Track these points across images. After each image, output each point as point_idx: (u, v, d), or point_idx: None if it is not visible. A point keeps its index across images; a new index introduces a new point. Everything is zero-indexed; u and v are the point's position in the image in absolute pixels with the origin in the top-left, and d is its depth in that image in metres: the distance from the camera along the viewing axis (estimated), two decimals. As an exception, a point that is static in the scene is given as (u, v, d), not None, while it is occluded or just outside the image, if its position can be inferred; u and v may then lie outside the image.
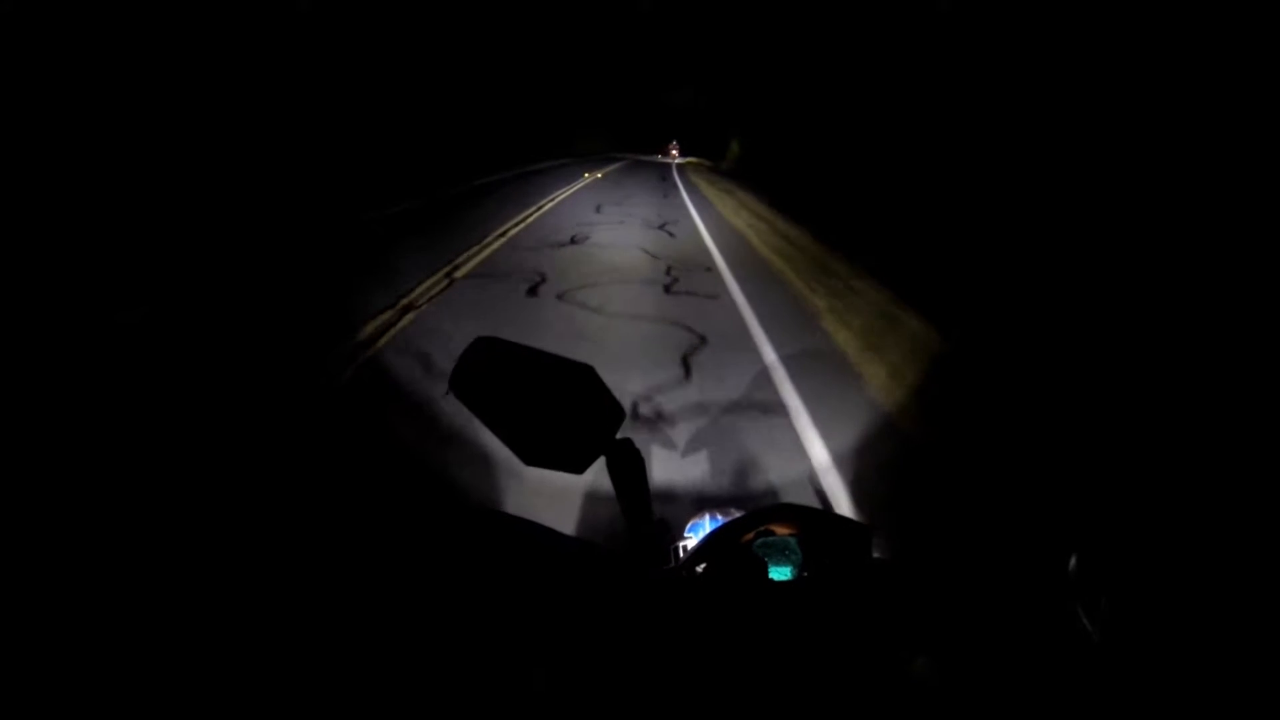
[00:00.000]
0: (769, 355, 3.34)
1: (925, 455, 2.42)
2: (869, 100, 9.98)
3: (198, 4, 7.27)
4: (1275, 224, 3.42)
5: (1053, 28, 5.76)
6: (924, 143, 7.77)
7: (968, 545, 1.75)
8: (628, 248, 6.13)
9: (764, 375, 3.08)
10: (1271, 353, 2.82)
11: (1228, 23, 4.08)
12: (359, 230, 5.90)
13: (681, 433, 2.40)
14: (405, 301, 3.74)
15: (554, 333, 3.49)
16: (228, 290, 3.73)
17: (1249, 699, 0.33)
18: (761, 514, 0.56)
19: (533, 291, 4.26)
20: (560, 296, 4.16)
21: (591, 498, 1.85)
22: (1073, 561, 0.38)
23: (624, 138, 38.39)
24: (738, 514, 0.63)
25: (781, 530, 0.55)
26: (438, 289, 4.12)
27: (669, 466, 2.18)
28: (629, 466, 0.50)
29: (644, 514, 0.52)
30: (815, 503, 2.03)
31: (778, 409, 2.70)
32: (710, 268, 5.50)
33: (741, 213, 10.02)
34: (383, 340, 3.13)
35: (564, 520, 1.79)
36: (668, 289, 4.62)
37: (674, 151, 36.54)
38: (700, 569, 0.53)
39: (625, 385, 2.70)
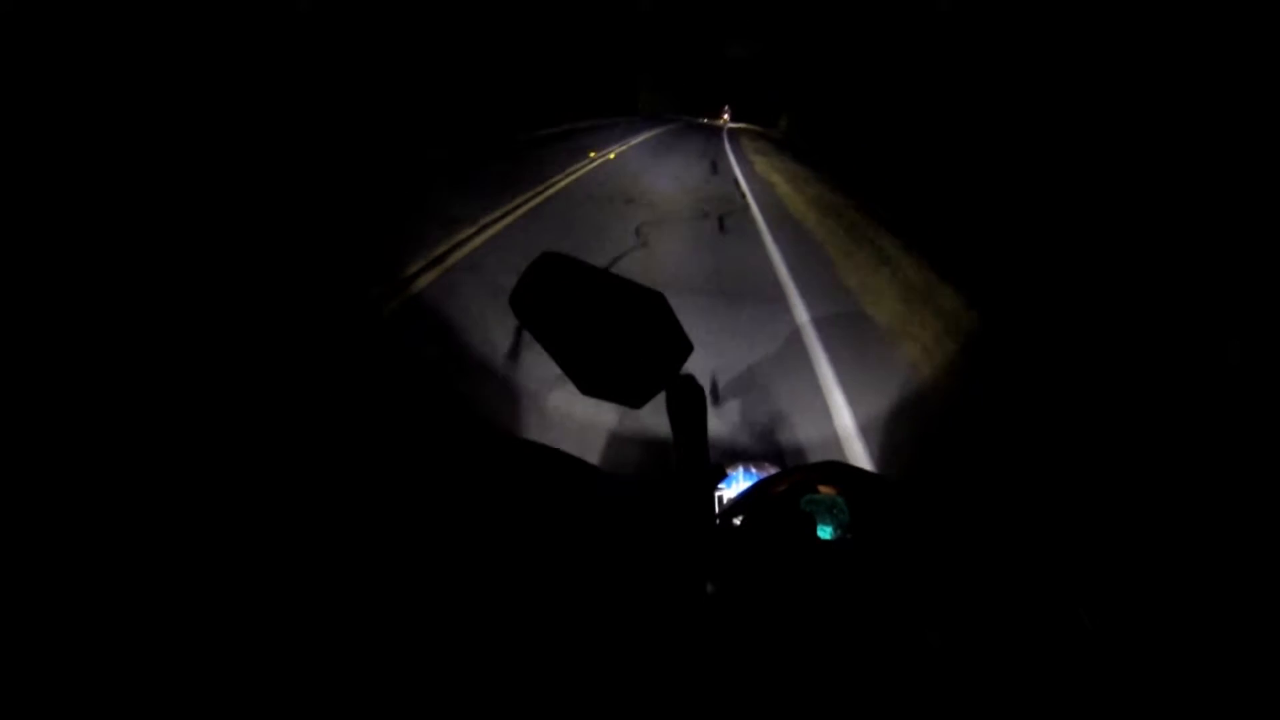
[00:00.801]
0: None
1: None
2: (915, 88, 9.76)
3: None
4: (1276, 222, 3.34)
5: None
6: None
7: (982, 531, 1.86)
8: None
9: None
10: (1272, 353, 2.76)
11: (1228, 23, 4.11)
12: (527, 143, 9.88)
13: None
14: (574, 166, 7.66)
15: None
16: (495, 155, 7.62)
17: (1249, 698, 0.38)
18: (807, 470, 0.56)
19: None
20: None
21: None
22: (1074, 564, 0.38)
23: (684, 99, 41.66)
24: (772, 469, 0.65)
25: (825, 489, 0.54)
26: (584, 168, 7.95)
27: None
28: (690, 406, 0.45)
29: (700, 459, 0.46)
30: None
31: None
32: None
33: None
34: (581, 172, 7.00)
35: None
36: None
37: (725, 116, 39.87)
38: (737, 521, 0.52)
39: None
